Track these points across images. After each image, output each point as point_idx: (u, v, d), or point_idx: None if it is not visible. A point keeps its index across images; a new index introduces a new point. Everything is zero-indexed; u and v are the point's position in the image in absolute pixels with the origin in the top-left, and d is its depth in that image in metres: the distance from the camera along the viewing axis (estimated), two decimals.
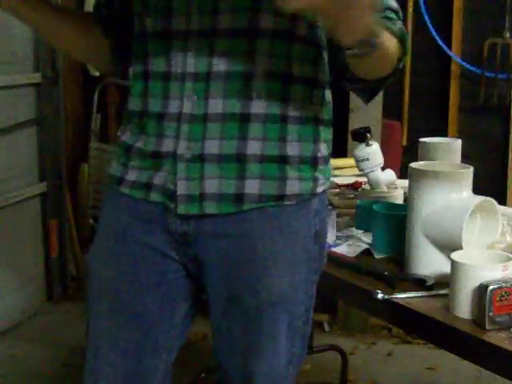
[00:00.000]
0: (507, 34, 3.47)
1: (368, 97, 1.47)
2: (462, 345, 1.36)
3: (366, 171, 2.07)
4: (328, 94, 1.42)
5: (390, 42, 1.30)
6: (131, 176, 1.42)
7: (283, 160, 1.35)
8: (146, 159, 1.40)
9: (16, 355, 3.19)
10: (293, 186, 1.36)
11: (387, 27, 1.30)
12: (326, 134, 1.42)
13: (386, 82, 1.40)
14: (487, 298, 1.32)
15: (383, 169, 2.09)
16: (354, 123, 3.49)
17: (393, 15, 1.38)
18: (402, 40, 1.34)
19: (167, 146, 1.36)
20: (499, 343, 1.29)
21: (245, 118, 1.32)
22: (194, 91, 1.33)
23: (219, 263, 1.39)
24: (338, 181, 2.48)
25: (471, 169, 1.57)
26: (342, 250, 1.79)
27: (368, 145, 2.05)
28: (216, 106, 1.32)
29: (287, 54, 1.34)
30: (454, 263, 1.41)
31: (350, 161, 2.68)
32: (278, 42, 1.33)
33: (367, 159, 2.05)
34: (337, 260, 1.71)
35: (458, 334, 1.35)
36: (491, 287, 1.32)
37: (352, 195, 2.25)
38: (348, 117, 3.62)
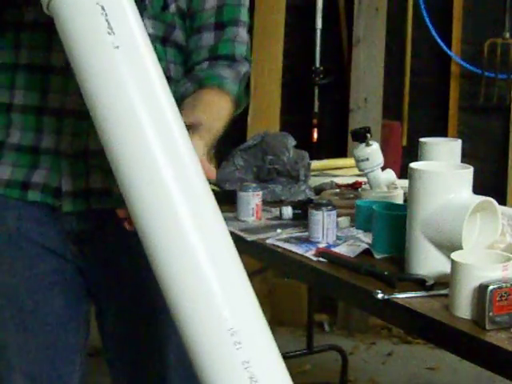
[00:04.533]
0: (507, 34, 3.47)
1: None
2: (462, 345, 1.36)
3: (365, 171, 2.07)
4: None
5: (223, 113, 1.35)
6: (3, 174, 1.36)
7: None
8: (23, 155, 1.35)
9: None
10: None
11: (223, 89, 1.36)
12: None
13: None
14: (487, 297, 1.32)
15: (383, 169, 2.08)
16: (354, 123, 3.49)
17: (241, 50, 1.43)
18: (236, 101, 1.39)
19: (47, 141, 1.33)
20: (499, 343, 1.29)
21: None
22: None
23: (121, 258, 1.38)
24: (338, 181, 2.48)
25: (471, 169, 1.57)
26: (342, 250, 1.79)
27: (368, 145, 2.05)
28: None
29: None
30: (454, 263, 1.41)
31: (349, 161, 2.69)
32: None
33: (367, 159, 2.05)
34: (337, 260, 1.71)
35: (458, 334, 1.35)
36: (491, 287, 1.32)
37: (352, 195, 2.25)
38: (348, 117, 3.62)
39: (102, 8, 1.04)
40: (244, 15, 1.44)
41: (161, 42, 1.36)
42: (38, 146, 1.34)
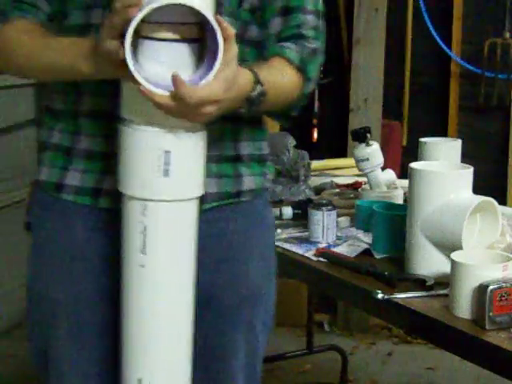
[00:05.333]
0: (507, 34, 3.46)
1: (285, 121, 1.44)
2: (462, 345, 1.36)
3: (365, 171, 2.07)
4: None
5: (279, 78, 1.29)
6: (72, 180, 1.32)
7: (237, 159, 1.35)
8: (93, 161, 1.31)
9: (17, 355, 3.19)
10: (248, 182, 1.37)
11: (283, 56, 1.31)
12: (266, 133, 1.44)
13: (298, 106, 1.39)
14: (487, 297, 1.32)
15: (383, 169, 2.09)
16: (354, 123, 3.49)
17: (309, 32, 1.36)
18: (300, 68, 1.33)
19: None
20: (499, 343, 1.29)
21: None
22: None
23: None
24: (338, 181, 2.48)
25: (471, 169, 1.57)
26: (342, 250, 1.79)
27: (368, 145, 2.06)
28: None
29: None
30: (453, 263, 1.41)
31: (349, 161, 2.69)
32: None
33: (367, 159, 2.05)
34: (337, 260, 1.72)
35: (458, 333, 1.35)
36: (491, 287, 1.32)
37: (352, 195, 2.25)
38: (348, 117, 3.62)
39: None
40: (311, 3, 1.36)
41: (236, 40, 1.23)
42: (108, 151, 1.28)
